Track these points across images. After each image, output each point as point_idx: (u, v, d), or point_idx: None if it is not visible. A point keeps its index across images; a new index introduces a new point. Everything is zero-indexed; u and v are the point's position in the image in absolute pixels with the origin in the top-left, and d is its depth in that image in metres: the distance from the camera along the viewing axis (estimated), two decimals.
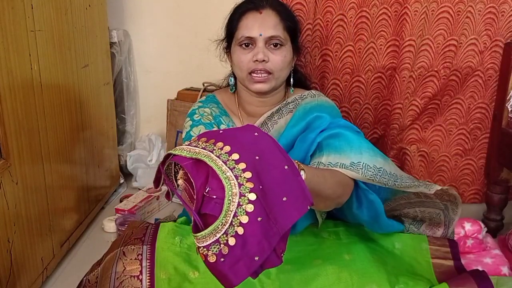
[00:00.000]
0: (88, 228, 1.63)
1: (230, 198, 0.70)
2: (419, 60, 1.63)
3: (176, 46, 2.03)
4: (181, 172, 0.79)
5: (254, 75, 1.20)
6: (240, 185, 0.71)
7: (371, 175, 1.04)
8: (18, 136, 1.14)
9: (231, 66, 1.31)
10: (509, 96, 1.48)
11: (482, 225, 1.33)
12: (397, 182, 1.11)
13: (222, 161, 0.73)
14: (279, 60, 1.20)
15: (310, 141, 1.11)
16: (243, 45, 1.21)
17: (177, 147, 0.79)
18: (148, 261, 1.06)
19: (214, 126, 1.25)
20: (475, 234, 1.31)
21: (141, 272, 1.05)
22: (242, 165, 0.73)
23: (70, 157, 1.46)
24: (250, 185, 0.71)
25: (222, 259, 0.69)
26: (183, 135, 1.26)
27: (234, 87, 1.32)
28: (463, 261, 1.20)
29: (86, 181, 1.60)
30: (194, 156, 0.75)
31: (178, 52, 2.03)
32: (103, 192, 1.79)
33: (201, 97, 1.84)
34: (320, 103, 1.26)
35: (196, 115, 1.26)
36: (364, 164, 1.04)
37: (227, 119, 1.29)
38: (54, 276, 1.36)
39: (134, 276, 1.04)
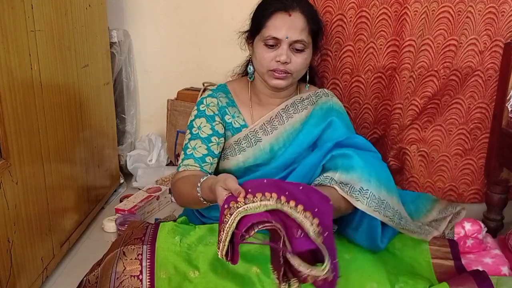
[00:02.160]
0: (88, 228, 1.63)
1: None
2: (419, 60, 1.63)
3: (176, 46, 2.03)
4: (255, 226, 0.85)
5: (274, 72, 1.22)
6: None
7: (375, 206, 1.07)
8: (18, 136, 1.14)
9: (250, 56, 1.32)
10: (509, 96, 1.47)
11: (482, 225, 1.32)
12: (401, 221, 1.14)
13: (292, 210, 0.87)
14: (300, 62, 1.23)
15: (327, 149, 1.15)
16: (268, 44, 1.22)
17: (239, 210, 0.85)
18: (148, 261, 1.06)
19: (217, 118, 1.27)
20: (475, 234, 1.30)
21: (141, 272, 1.05)
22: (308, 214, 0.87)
23: (70, 157, 1.46)
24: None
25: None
26: (189, 122, 1.30)
27: (253, 76, 1.33)
28: (463, 261, 1.20)
29: (86, 181, 1.60)
30: (268, 209, 0.85)
31: (178, 52, 2.03)
32: (103, 192, 1.79)
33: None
34: (334, 107, 1.31)
35: (202, 105, 1.30)
36: (371, 194, 1.07)
37: (233, 110, 1.31)
38: (54, 276, 1.36)
39: (134, 276, 1.04)
